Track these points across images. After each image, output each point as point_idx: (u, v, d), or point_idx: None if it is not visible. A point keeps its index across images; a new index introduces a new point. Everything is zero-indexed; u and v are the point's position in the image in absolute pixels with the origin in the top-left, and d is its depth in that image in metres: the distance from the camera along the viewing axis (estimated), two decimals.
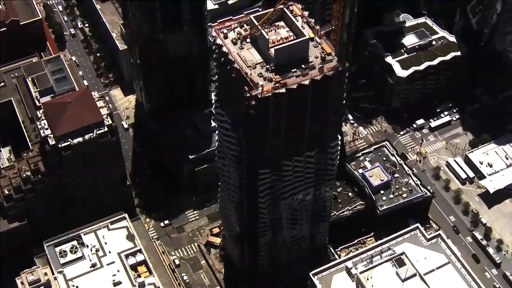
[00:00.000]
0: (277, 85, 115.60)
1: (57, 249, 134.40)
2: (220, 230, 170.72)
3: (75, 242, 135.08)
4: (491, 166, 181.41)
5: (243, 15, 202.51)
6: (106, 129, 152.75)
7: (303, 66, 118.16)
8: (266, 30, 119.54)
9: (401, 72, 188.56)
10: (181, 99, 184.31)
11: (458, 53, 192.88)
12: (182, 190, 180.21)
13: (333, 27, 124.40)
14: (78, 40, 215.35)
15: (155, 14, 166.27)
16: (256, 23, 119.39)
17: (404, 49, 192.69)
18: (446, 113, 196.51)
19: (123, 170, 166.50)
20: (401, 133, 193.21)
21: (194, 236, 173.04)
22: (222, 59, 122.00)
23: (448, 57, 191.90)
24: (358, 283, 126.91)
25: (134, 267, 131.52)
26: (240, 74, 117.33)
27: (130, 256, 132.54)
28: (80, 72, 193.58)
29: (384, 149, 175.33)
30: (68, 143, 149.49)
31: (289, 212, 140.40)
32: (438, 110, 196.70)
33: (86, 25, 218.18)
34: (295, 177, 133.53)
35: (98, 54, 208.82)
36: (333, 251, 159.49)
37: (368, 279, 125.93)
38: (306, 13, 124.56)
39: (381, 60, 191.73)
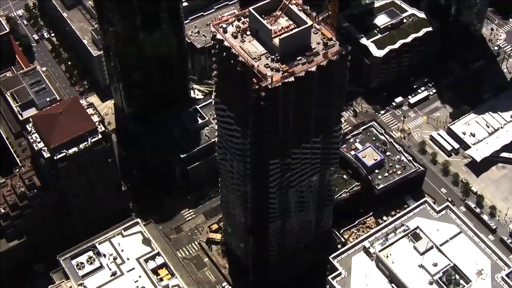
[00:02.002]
0: (285, 74, 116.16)
1: (74, 261, 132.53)
2: (219, 226, 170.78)
3: (90, 253, 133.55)
4: (474, 135, 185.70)
5: (213, 9, 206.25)
6: (100, 136, 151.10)
7: (307, 53, 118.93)
8: (266, 20, 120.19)
9: (377, 52, 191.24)
10: (162, 100, 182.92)
11: (430, 29, 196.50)
12: (175, 190, 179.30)
13: (329, 13, 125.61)
14: (46, 51, 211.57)
15: (134, 16, 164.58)
16: (257, 16, 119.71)
17: (377, 29, 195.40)
18: (423, 88, 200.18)
19: (118, 176, 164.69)
20: (382, 112, 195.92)
21: (193, 235, 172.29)
22: (224, 53, 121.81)
23: (421, 33, 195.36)
24: (378, 261, 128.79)
25: (155, 271, 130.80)
26: (247, 67, 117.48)
27: (149, 260, 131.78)
28: None
29: (372, 129, 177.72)
30: (64, 154, 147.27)
31: (297, 199, 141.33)
32: (415, 86, 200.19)
33: (53, 34, 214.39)
34: (302, 164, 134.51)
35: (69, 63, 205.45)
36: (338, 234, 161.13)
37: (387, 256, 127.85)
38: (300, 1, 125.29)
39: (355, 42, 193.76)
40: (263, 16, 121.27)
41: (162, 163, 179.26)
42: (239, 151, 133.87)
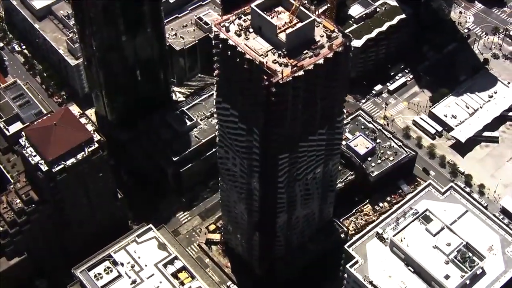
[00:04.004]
0: (294, 68, 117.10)
1: (91, 273, 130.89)
2: (217, 226, 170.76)
3: (107, 263, 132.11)
4: (455, 117, 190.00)
5: (188, 11, 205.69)
6: (96, 145, 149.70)
7: (312, 46, 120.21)
8: (269, 17, 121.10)
9: (355, 42, 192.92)
10: (146, 104, 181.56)
11: (403, 16, 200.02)
12: (168, 193, 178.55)
13: (328, 5, 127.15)
14: (19, 63, 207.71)
15: (117, 21, 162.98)
16: (260, 12, 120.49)
17: (352, 19, 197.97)
18: (400, 75, 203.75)
19: (114, 184, 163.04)
20: (363, 101, 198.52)
21: (192, 237, 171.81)
22: (229, 52, 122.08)
23: (395, 20, 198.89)
24: (393, 245, 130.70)
25: (175, 275, 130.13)
26: (254, 64, 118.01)
27: (168, 265, 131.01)
28: None
29: (360, 118, 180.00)
30: (62, 165, 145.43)
31: (304, 192, 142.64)
32: (392, 74, 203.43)
33: (24, 47, 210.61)
34: (309, 156, 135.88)
35: (45, 74, 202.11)
36: (340, 224, 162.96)
37: (402, 240, 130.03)
38: None
39: None
40: (264, 12, 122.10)
41: (153, 168, 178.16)
42: (244, 148, 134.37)
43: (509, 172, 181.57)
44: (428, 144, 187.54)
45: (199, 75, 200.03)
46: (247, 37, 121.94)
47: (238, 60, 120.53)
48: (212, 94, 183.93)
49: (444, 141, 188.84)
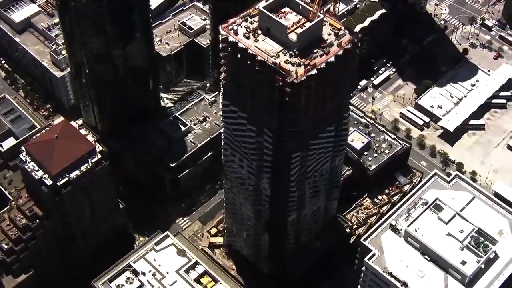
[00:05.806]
0: (308, 67, 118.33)
1: (113, 284, 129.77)
2: (218, 230, 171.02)
3: (127, 273, 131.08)
4: (441, 107, 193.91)
5: (170, 16, 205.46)
6: (99, 156, 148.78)
7: (322, 45, 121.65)
8: (277, 18, 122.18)
9: None
10: (136, 112, 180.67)
11: (383, 11, 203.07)
12: (165, 200, 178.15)
13: (332, 3, 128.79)
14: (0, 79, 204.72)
15: (106, 30, 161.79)
16: (269, 14, 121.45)
17: None
18: (383, 69, 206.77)
19: (115, 194, 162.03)
20: None
21: (194, 242, 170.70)
22: (239, 55, 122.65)
23: (376, 16, 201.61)
24: (407, 236, 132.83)
25: (197, 280, 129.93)
26: (267, 66, 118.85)
27: (190, 271, 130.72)
28: None
29: (351, 113, 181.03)
30: (67, 179, 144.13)
31: (312, 189, 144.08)
32: (375, 68, 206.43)
33: (3, 61, 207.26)
34: (318, 153, 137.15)
35: (28, 88, 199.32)
36: (344, 219, 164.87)
37: (416, 230, 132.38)
38: None
39: None
40: (271, 14, 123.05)
41: (150, 175, 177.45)
42: (253, 150, 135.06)
43: (498, 158, 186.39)
44: (417, 135, 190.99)
45: (185, 80, 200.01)
46: (256, 39, 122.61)
47: (249, 62, 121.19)
48: (203, 98, 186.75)
49: (433, 131, 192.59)
